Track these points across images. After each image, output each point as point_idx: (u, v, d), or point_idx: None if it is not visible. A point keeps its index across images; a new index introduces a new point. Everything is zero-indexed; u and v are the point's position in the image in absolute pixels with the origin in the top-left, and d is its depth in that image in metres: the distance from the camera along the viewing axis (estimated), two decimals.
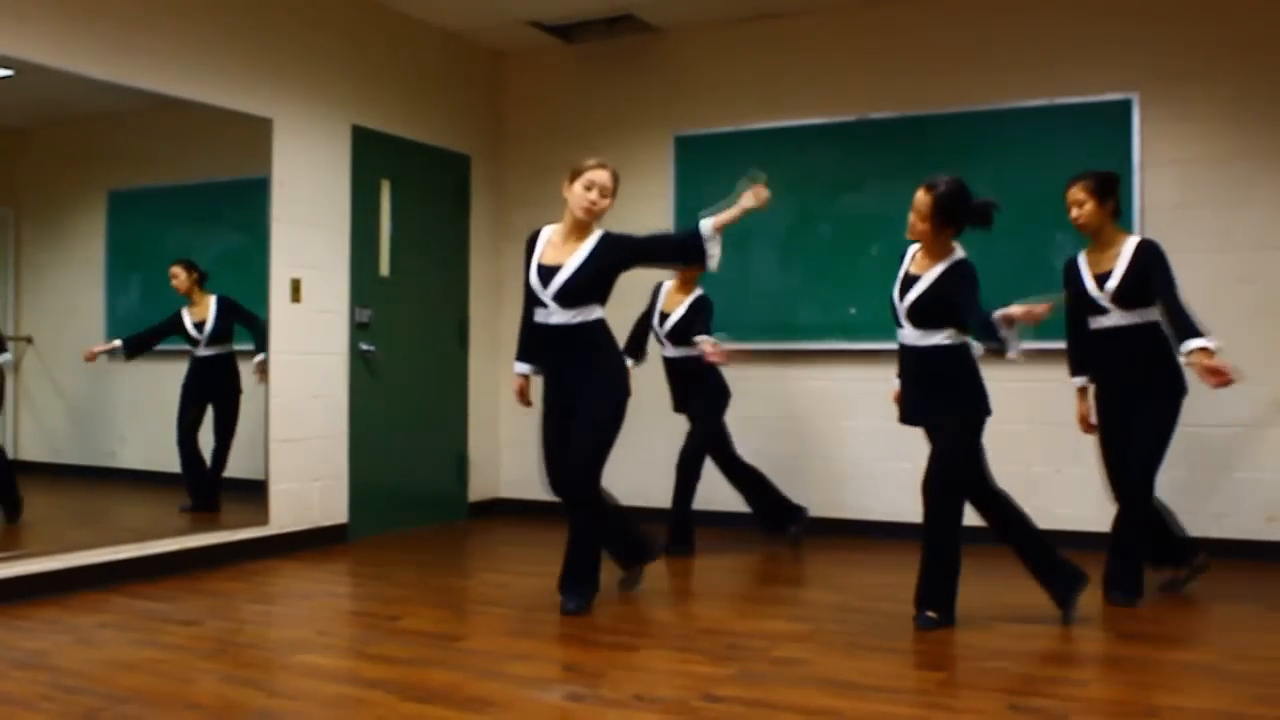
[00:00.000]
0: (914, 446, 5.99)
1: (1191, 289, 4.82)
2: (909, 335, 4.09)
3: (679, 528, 5.58)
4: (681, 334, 5.54)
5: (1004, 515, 4.10)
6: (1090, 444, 5.74)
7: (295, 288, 5.66)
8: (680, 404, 5.72)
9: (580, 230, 4.28)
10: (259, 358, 5.50)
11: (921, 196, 3.95)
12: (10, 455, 5.16)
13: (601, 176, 4.24)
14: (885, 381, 6.15)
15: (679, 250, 4.39)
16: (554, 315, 4.23)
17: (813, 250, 6.24)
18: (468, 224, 6.90)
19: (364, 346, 6.08)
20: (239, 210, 5.78)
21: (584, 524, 4.28)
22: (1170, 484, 5.34)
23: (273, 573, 5.16)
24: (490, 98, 7.11)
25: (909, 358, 4.14)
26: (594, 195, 4.22)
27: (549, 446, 4.33)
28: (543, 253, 4.31)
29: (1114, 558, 4.40)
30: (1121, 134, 5.60)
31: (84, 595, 4.53)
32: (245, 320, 5.56)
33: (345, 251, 5.99)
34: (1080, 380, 4.61)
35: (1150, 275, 4.22)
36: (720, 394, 5.64)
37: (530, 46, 6.98)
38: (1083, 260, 4.43)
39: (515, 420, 7.13)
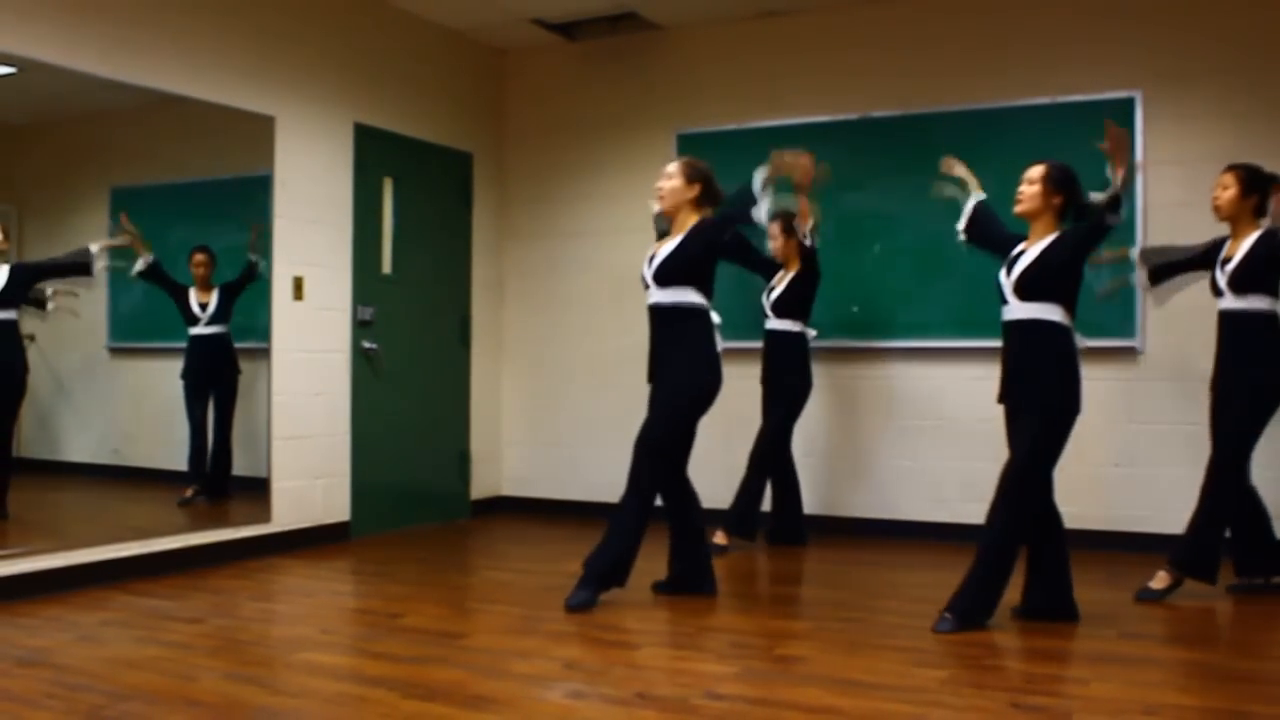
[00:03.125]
0: (916, 445, 6.02)
1: (1194, 286, 4.83)
2: (1014, 309, 4.03)
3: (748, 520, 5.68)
4: (784, 307, 5.66)
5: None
6: (1092, 443, 5.76)
7: (297, 285, 5.66)
8: (766, 379, 5.76)
9: (677, 221, 4.51)
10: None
11: (1033, 169, 4.06)
12: (13, 453, 5.16)
13: (668, 168, 4.52)
14: (887, 380, 6.20)
15: (736, 210, 4.49)
16: (652, 295, 4.46)
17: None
18: (470, 222, 6.90)
19: (366, 344, 6.09)
20: (242, 208, 5.78)
21: (624, 510, 4.35)
22: (1173, 481, 5.36)
23: (275, 570, 5.16)
24: (493, 96, 7.11)
25: (1010, 335, 4.09)
26: (659, 183, 4.49)
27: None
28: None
29: (1189, 541, 4.45)
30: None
31: (87, 592, 4.54)
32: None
33: (348, 249, 5.99)
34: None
35: (1264, 262, 4.39)
36: (804, 385, 5.72)
37: (533, 44, 6.98)
38: (1226, 245, 4.57)
39: (517, 418, 7.14)
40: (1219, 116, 5.50)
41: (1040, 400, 3.95)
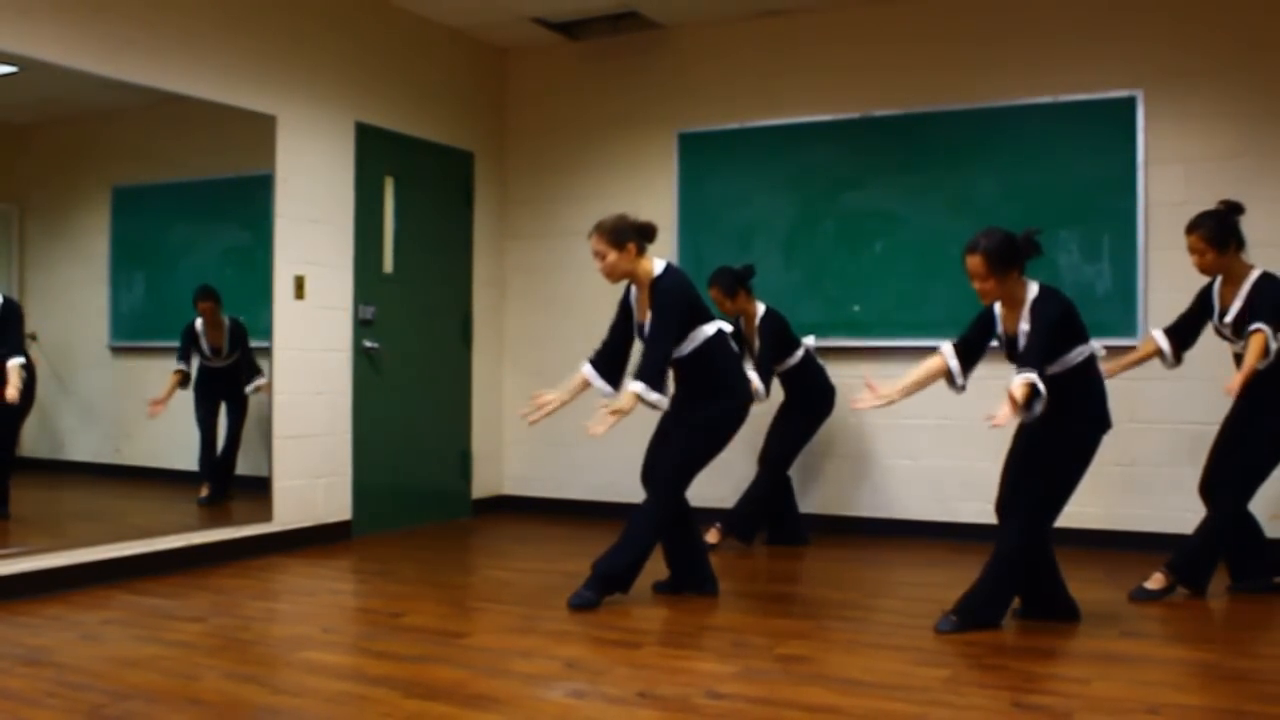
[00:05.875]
0: (917, 444, 6.02)
1: (1195, 286, 4.83)
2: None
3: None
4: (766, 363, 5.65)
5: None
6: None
7: (299, 284, 5.66)
8: (788, 402, 5.80)
9: (637, 282, 4.50)
10: (258, 381, 5.65)
11: (971, 262, 3.88)
12: (15, 452, 5.17)
13: (592, 246, 4.45)
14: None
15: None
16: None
17: (816, 248, 6.24)
18: (471, 221, 6.90)
19: (367, 343, 6.09)
20: (243, 207, 5.78)
21: (642, 518, 4.37)
22: (1173, 480, 5.36)
23: (276, 569, 5.17)
24: (494, 95, 7.11)
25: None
26: (597, 265, 4.45)
27: (653, 437, 4.61)
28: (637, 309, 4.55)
29: (1191, 549, 4.48)
30: (1125, 131, 5.59)
31: (88, 591, 4.54)
32: (245, 348, 5.71)
33: (349, 248, 5.99)
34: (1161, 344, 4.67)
35: (1259, 305, 4.32)
36: (825, 403, 5.76)
37: (534, 43, 6.98)
38: (1215, 288, 4.54)
39: (518, 417, 7.13)
40: (1221, 115, 5.50)
41: (1073, 421, 3.94)
